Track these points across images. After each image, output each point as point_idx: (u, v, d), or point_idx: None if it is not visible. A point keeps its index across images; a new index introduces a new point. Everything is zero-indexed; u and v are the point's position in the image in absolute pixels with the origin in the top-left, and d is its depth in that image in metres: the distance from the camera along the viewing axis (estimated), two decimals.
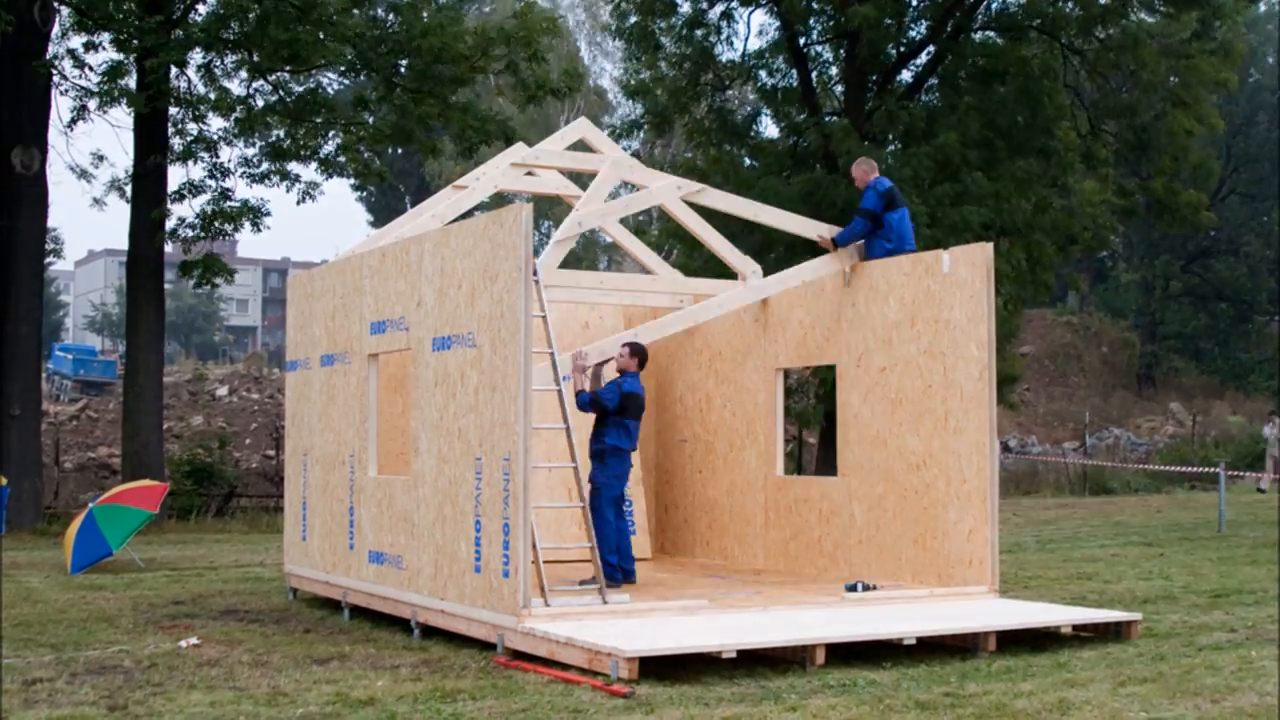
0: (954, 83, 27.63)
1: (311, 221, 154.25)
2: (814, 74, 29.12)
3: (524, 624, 10.23)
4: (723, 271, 15.66)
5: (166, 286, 28.07)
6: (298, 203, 24.70)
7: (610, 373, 12.81)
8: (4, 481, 21.34)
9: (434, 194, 15.42)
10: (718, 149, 27.72)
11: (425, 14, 25.23)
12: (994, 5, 28.77)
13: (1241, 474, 33.90)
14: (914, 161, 24.59)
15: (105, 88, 23.69)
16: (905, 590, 11.98)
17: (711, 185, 15.51)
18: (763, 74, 28.57)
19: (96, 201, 28.76)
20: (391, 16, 25.95)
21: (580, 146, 14.54)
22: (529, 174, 14.63)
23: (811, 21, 28.33)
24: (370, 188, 51.05)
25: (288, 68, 24.77)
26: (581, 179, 15.18)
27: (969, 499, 12.25)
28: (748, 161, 28.13)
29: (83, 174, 27.62)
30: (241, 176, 24.77)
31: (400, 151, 42.34)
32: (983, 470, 12.34)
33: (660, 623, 10.38)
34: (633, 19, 28.67)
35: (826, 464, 26.81)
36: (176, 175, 45.87)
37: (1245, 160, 55.04)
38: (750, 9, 29.20)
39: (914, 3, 27.93)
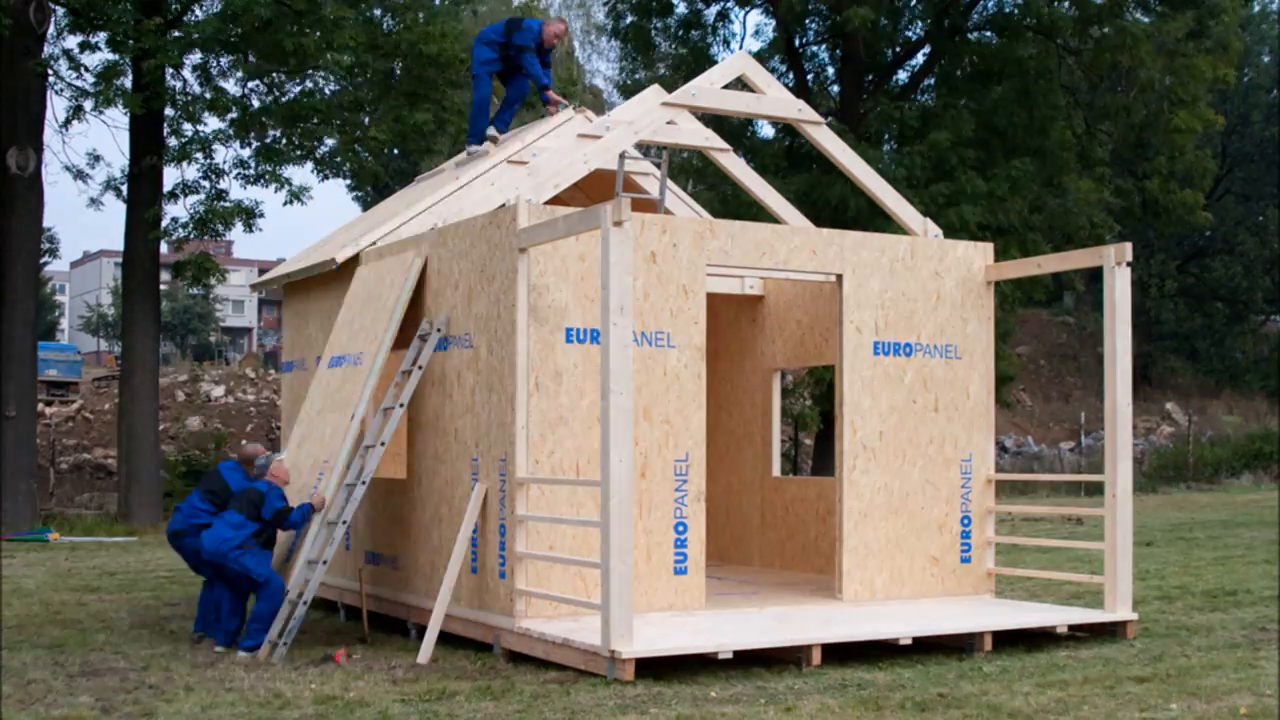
0: (950, 83, 27.66)
1: (307, 222, 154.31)
2: (810, 74, 29.16)
3: (520, 624, 10.23)
4: None
5: (162, 287, 28.05)
6: (285, 204, 24.67)
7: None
8: None
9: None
10: None
11: (420, 16, 25.21)
12: (990, 5, 28.81)
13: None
14: (909, 161, 24.61)
15: (100, 89, 23.67)
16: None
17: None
18: None
19: (93, 202, 28.78)
20: (389, 19, 25.93)
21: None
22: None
23: (807, 22, 28.37)
24: (367, 188, 51.00)
25: (283, 70, 24.76)
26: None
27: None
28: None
29: (79, 174, 27.58)
30: (236, 178, 24.77)
31: (397, 152, 42.33)
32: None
33: (657, 623, 10.38)
34: (629, 19, 28.71)
35: (823, 464, 26.84)
36: (172, 176, 45.81)
37: (1241, 159, 55.05)
38: (746, 9, 29.26)
39: (910, 3, 27.97)
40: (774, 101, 12.45)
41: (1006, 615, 11.21)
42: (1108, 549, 11.31)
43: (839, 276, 11.99)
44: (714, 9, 28.86)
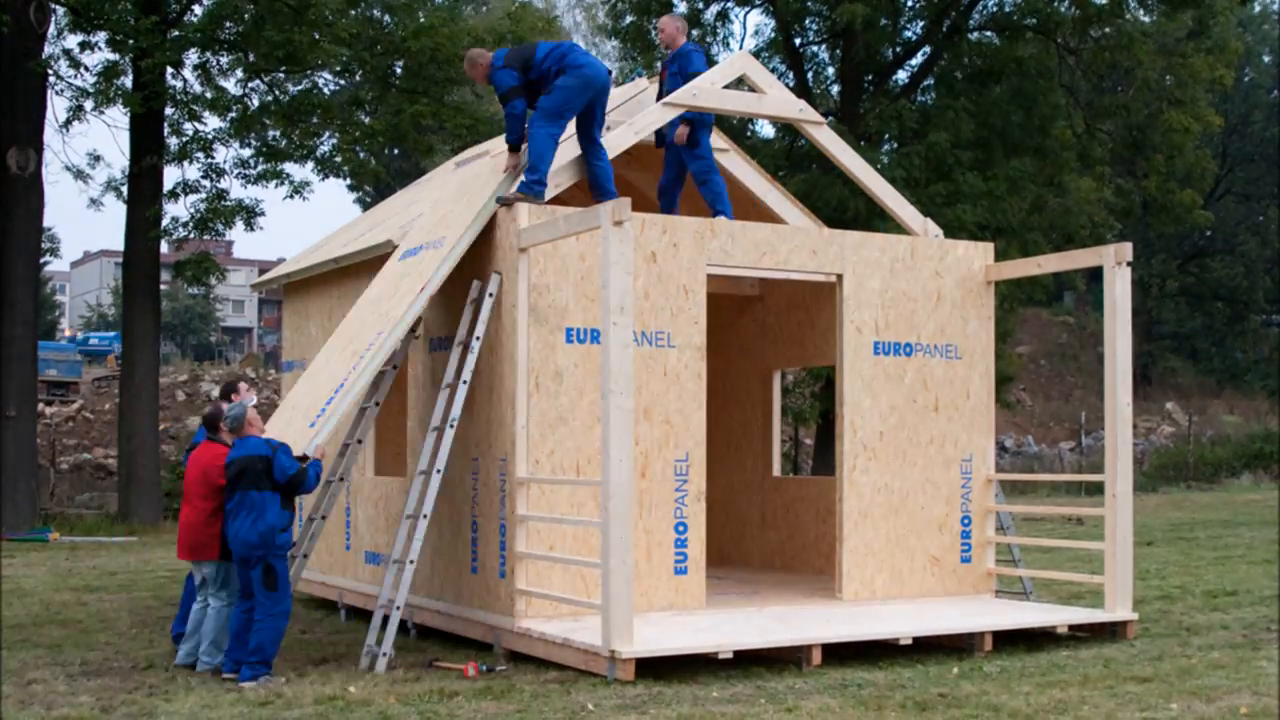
0: (950, 82, 27.64)
1: (307, 222, 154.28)
2: (810, 74, 29.14)
3: (520, 624, 10.22)
4: None
5: (162, 287, 28.04)
6: (285, 198, 24.69)
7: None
8: None
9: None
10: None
11: (421, 15, 25.24)
12: (990, 5, 28.80)
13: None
14: (908, 161, 24.60)
15: (101, 88, 23.68)
16: None
17: None
18: None
19: (93, 202, 28.83)
20: (387, 18, 25.95)
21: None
22: None
23: (807, 21, 28.36)
24: (366, 187, 50.99)
25: (283, 68, 24.78)
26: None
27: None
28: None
29: (79, 174, 27.61)
30: (237, 178, 24.81)
31: (397, 151, 42.36)
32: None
33: (657, 623, 10.38)
34: (628, 19, 28.69)
35: (823, 464, 26.83)
36: (173, 175, 45.78)
37: (1241, 159, 55.08)
38: (746, 9, 29.24)
39: (910, 2, 27.96)
40: (775, 101, 12.44)
41: (1007, 615, 11.21)
42: (1108, 549, 11.30)
43: (839, 276, 11.98)
44: (714, 9, 28.85)
